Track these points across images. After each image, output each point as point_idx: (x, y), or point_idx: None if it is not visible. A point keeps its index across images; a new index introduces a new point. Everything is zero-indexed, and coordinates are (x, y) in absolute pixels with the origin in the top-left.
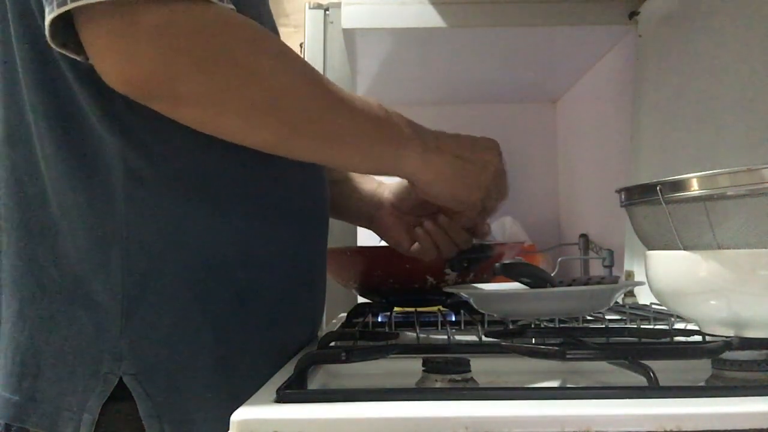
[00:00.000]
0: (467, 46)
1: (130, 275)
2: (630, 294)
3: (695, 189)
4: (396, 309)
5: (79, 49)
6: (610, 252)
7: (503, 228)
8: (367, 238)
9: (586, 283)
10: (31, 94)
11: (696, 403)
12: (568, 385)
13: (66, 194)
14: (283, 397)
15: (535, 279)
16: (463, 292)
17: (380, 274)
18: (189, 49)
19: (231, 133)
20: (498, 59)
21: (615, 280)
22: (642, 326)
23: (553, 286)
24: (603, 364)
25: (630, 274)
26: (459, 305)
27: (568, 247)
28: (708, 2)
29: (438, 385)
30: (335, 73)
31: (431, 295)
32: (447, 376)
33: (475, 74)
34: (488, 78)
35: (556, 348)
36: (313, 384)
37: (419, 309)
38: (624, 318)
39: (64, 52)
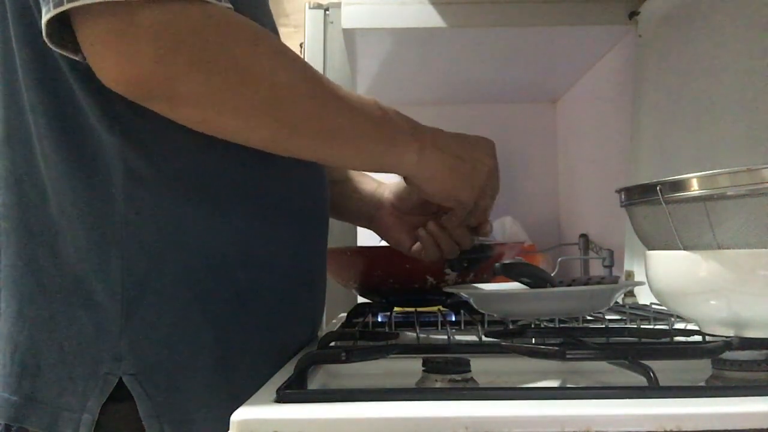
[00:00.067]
0: (467, 46)
1: (130, 275)
2: (630, 294)
3: (695, 189)
4: (396, 309)
5: (77, 48)
6: (610, 252)
7: (503, 228)
8: (367, 238)
9: (586, 283)
10: (31, 93)
11: (696, 403)
12: (568, 385)
13: (66, 194)
14: (283, 397)
15: (535, 279)
16: (463, 292)
17: (380, 274)
18: (187, 49)
19: (230, 133)
20: (498, 59)
21: (615, 280)
22: (642, 326)
23: (553, 286)
24: (603, 364)
25: (630, 274)
26: (459, 305)
27: (568, 247)
28: (708, 2)
29: (438, 385)
30: (335, 73)
31: (431, 295)
32: (447, 376)
33: (475, 74)
34: (488, 78)
35: (556, 348)
36: (313, 384)
37: (419, 309)
38: (624, 318)
39: (61, 51)
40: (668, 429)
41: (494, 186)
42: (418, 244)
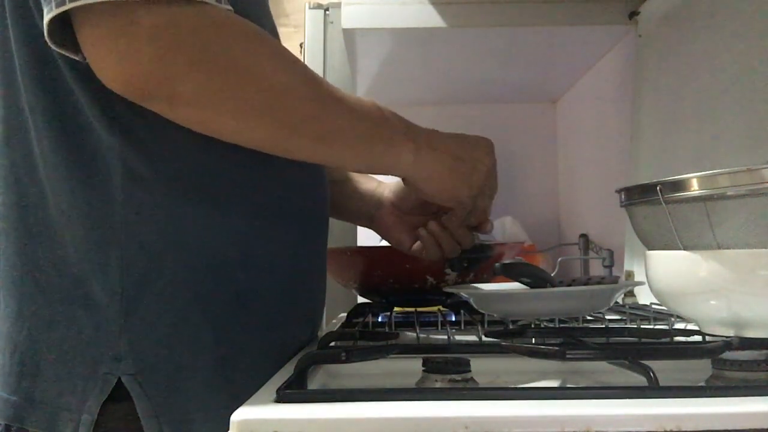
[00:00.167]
0: (467, 46)
1: (129, 275)
2: (630, 294)
3: (695, 189)
4: (396, 309)
5: (77, 48)
6: (610, 252)
7: (503, 228)
8: (367, 238)
9: (586, 283)
10: (30, 93)
11: (696, 403)
12: (568, 385)
13: (65, 194)
14: (283, 397)
15: (535, 279)
16: (463, 292)
17: (380, 274)
18: (187, 50)
19: (229, 134)
20: (498, 59)
21: (615, 280)
22: (642, 326)
23: (553, 286)
24: (603, 364)
25: (630, 274)
26: (459, 305)
27: (568, 247)
28: (708, 2)
29: (438, 385)
30: (335, 73)
31: (431, 295)
32: (447, 376)
33: (475, 74)
34: (488, 78)
35: (556, 348)
36: (313, 384)
37: (419, 309)
38: (624, 318)
39: (62, 51)
40: (668, 429)
41: (493, 185)
42: (418, 243)
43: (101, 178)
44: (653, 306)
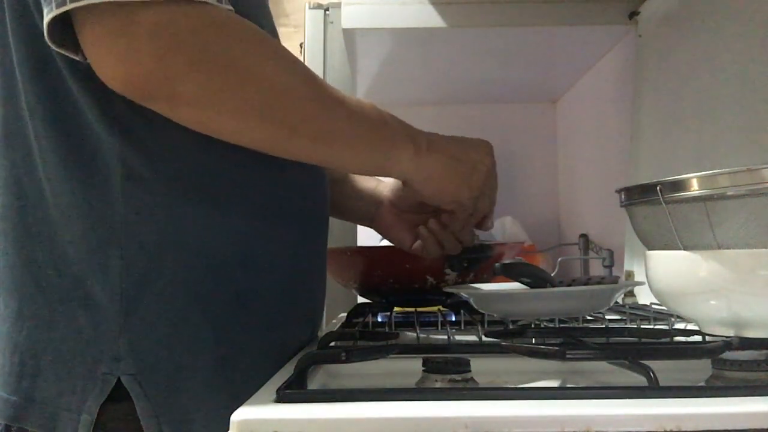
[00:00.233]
0: (467, 46)
1: (129, 275)
2: (630, 294)
3: (695, 189)
4: (396, 309)
5: (77, 48)
6: (610, 252)
7: (503, 228)
8: (367, 238)
9: (586, 283)
10: (29, 94)
11: (696, 403)
12: (568, 385)
13: (64, 194)
14: (283, 397)
15: (535, 279)
16: (463, 292)
17: (380, 274)
18: (187, 50)
19: (228, 134)
20: (498, 59)
21: (615, 280)
22: (642, 326)
23: (553, 286)
24: (603, 364)
25: (630, 274)
26: (459, 305)
27: (568, 247)
28: (708, 2)
29: (438, 385)
30: (335, 73)
31: (431, 295)
32: (447, 376)
33: (475, 74)
34: (488, 78)
35: (556, 348)
36: (313, 384)
37: (419, 309)
38: (624, 318)
39: (62, 51)
40: (668, 429)
41: (492, 187)
42: (419, 241)
43: (101, 178)
44: (653, 306)
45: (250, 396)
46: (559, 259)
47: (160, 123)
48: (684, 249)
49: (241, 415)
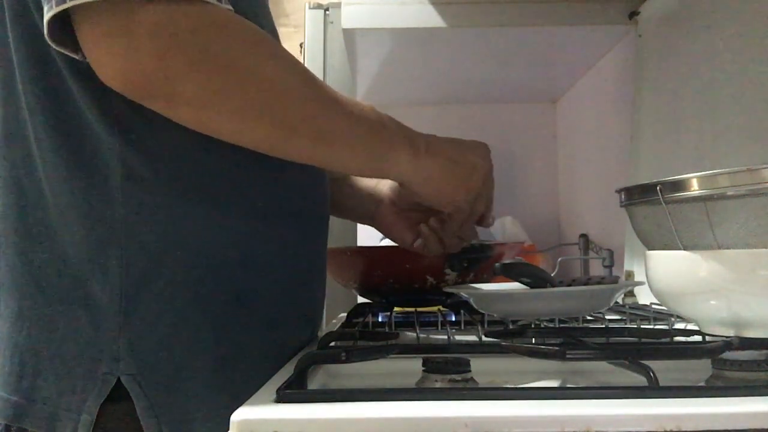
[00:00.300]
0: (467, 46)
1: (129, 276)
2: (630, 294)
3: (695, 189)
4: (396, 309)
5: (77, 47)
6: (610, 252)
7: (503, 228)
8: (367, 237)
9: (586, 283)
10: (29, 94)
11: (696, 403)
12: (568, 385)
13: (64, 195)
14: (283, 397)
15: (535, 279)
16: (463, 292)
17: (380, 274)
18: (187, 50)
19: (227, 134)
20: (498, 59)
21: (615, 280)
22: (642, 326)
23: (553, 286)
24: (603, 364)
25: (630, 274)
26: (459, 305)
27: (568, 247)
28: (708, 2)
29: (438, 385)
30: (335, 73)
31: (431, 295)
32: (447, 376)
33: (475, 74)
34: (488, 78)
35: (556, 348)
36: (313, 384)
37: (419, 309)
38: (624, 318)
39: (62, 50)
40: (668, 429)
41: (489, 188)
42: (420, 239)
43: (101, 178)
44: (653, 306)
45: (250, 396)
46: (559, 259)
47: (160, 123)
48: (684, 249)
49: (241, 415)
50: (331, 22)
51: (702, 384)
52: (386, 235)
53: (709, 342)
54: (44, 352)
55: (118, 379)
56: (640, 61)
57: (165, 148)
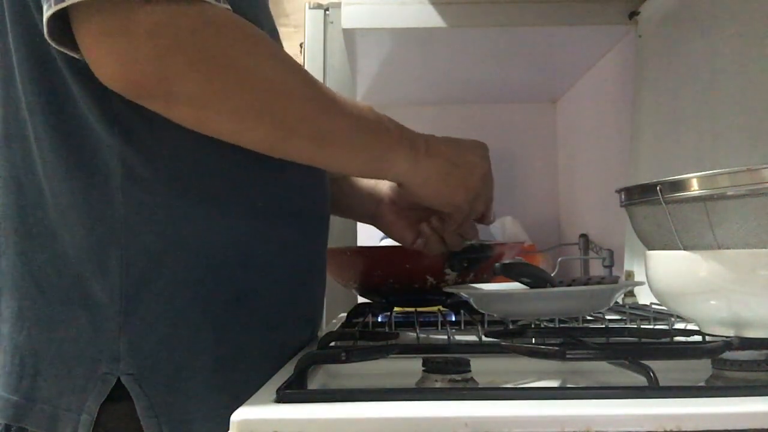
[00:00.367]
0: (467, 46)
1: (129, 275)
2: (630, 294)
3: (695, 189)
4: (396, 309)
5: (76, 46)
6: (610, 252)
7: (503, 228)
8: (367, 237)
9: (586, 283)
10: (29, 93)
11: (696, 403)
12: (568, 385)
13: (64, 195)
14: (283, 397)
15: (535, 279)
16: (463, 292)
17: (380, 274)
18: (187, 50)
19: (226, 134)
20: (498, 59)
21: (615, 280)
22: (642, 326)
23: (553, 286)
24: (603, 364)
25: (630, 274)
26: (459, 305)
27: (568, 247)
28: (708, 2)
29: (438, 385)
30: (335, 73)
31: (431, 295)
32: (447, 376)
33: (475, 74)
34: (488, 78)
35: (556, 348)
36: (313, 384)
37: (419, 309)
38: (624, 318)
39: (62, 49)
40: (668, 429)
41: (488, 187)
42: (420, 238)
43: (101, 178)
44: (653, 306)
45: (250, 396)
46: (559, 259)
47: (160, 123)
48: (684, 249)
49: (241, 415)
50: (331, 22)
51: (702, 384)
52: (387, 234)
53: (709, 342)
54: (44, 352)
55: (118, 379)
56: (640, 61)
57: (165, 148)
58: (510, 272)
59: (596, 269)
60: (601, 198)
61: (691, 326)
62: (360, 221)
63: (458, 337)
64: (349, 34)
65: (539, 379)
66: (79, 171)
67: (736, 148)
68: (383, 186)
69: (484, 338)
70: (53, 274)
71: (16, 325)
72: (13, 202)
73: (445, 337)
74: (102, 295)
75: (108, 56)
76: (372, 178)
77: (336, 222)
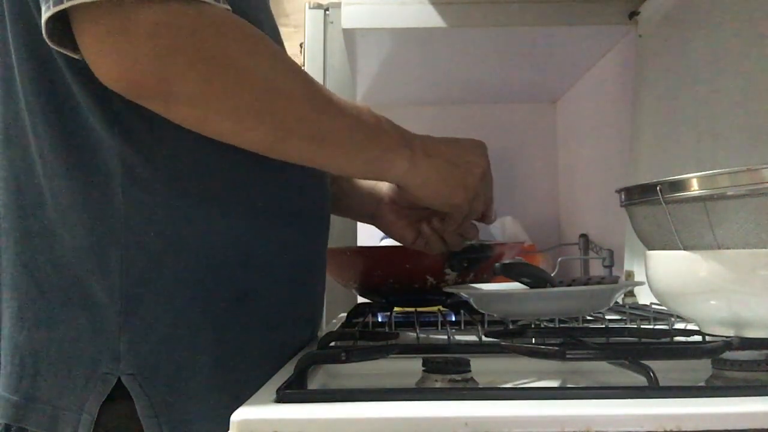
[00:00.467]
0: (467, 46)
1: (129, 275)
2: (630, 294)
3: (695, 189)
4: (396, 309)
5: (76, 47)
6: (610, 252)
7: (503, 228)
8: (367, 237)
9: (586, 283)
10: (28, 93)
11: (696, 403)
12: (568, 385)
13: (63, 194)
14: (283, 397)
15: (535, 279)
16: (463, 292)
17: (380, 274)
18: (184, 49)
19: (225, 134)
20: (498, 59)
21: (615, 280)
22: (642, 326)
23: (553, 286)
24: (603, 364)
25: (630, 274)
26: (459, 305)
27: (568, 247)
28: (708, 2)
29: (438, 385)
30: (335, 73)
31: (431, 295)
32: (447, 376)
33: (475, 74)
34: (488, 78)
35: (556, 348)
36: (313, 384)
37: (419, 309)
38: (624, 318)
39: (61, 50)
40: (668, 429)
41: (487, 186)
42: (421, 238)
43: (101, 178)
44: (653, 306)
45: (250, 396)
46: (559, 259)
47: (160, 123)
48: (684, 249)
49: (241, 415)
50: (331, 22)
51: (702, 384)
52: (387, 234)
53: (709, 342)
54: (44, 352)
55: (119, 378)
56: (640, 61)
57: (165, 148)
58: (510, 272)
59: (596, 269)
60: (601, 198)
61: (691, 326)
62: (360, 221)
63: (458, 337)
64: (349, 34)
65: (539, 379)
66: (79, 171)
67: (736, 148)
68: (383, 186)
69: (484, 338)
70: (53, 274)
71: (16, 325)
72: (13, 202)
73: (445, 337)
74: (102, 295)
75: (108, 56)
76: (371, 179)
77: (336, 222)
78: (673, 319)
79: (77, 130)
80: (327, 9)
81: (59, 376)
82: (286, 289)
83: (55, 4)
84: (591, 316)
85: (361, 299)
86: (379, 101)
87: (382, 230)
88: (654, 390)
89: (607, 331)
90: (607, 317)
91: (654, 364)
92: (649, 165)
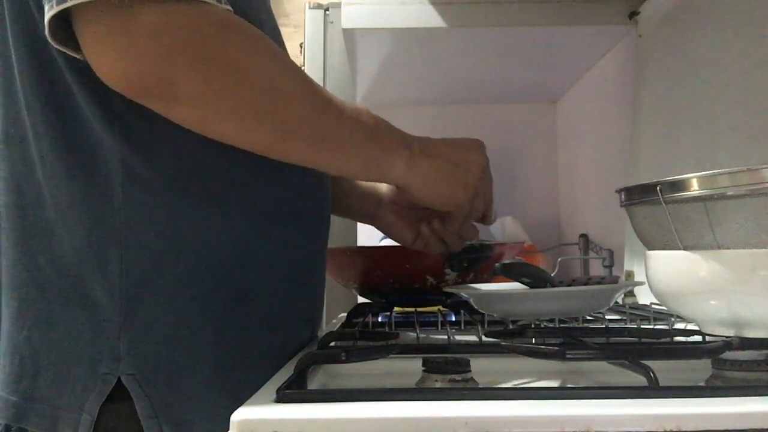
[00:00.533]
0: (467, 46)
1: (129, 275)
2: (630, 294)
3: (695, 189)
4: (396, 309)
5: (78, 46)
6: (610, 252)
7: (503, 228)
8: (367, 237)
9: (586, 283)
10: (28, 93)
11: (696, 403)
12: (568, 385)
13: (63, 195)
14: (283, 397)
15: (535, 279)
16: (463, 292)
17: (380, 274)
18: (185, 50)
19: (226, 134)
20: (498, 59)
21: (615, 280)
22: (642, 326)
23: (553, 286)
24: (603, 364)
25: (630, 274)
26: (459, 305)
27: (568, 247)
28: (708, 2)
29: (438, 385)
30: (335, 73)
31: (431, 295)
32: (447, 376)
33: (475, 74)
34: (488, 78)
35: (556, 348)
36: (313, 384)
37: (419, 309)
38: (624, 318)
39: (63, 50)
40: (668, 429)
41: (487, 185)
42: (420, 238)
43: (101, 178)
44: (653, 306)
45: (250, 396)
46: (559, 259)
47: (160, 123)
48: (684, 249)
49: (241, 415)
50: (331, 22)
51: (702, 384)
52: (386, 234)
53: (709, 342)
54: (44, 352)
55: (119, 379)
56: (640, 61)
57: (165, 148)
58: (510, 272)
59: (596, 269)
60: (601, 198)
61: (691, 326)
62: (360, 221)
63: (458, 337)
64: (349, 34)
65: (539, 379)
66: (79, 171)
67: (736, 148)
68: (383, 186)
69: (484, 338)
70: (53, 274)
71: (16, 325)
72: (13, 202)
73: (445, 337)
74: (102, 295)
75: (109, 56)
76: (370, 180)
77: (336, 222)
78: (673, 319)
79: (77, 130)
80: (327, 9)
81: (59, 377)
82: (286, 289)
83: (58, 4)
84: (591, 316)
85: (361, 299)
86: (379, 101)
87: (381, 231)
88: (654, 390)
89: (607, 331)
90: (607, 317)
91: (654, 364)
92: (649, 165)
